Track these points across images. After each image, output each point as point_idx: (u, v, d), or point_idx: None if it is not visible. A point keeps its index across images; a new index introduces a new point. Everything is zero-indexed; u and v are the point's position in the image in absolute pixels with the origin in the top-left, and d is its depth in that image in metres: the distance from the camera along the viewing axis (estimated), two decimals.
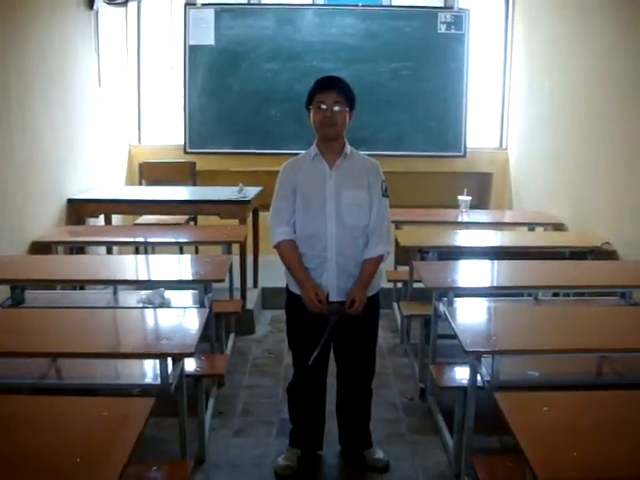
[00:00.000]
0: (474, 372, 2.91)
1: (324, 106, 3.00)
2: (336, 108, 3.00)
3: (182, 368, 2.87)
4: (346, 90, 3.06)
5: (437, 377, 3.36)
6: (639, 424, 2.09)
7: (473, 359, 2.87)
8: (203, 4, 6.63)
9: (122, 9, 6.38)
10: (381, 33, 6.65)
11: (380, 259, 3.14)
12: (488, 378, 2.78)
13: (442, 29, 6.67)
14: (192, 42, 6.64)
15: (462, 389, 3.12)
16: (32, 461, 1.83)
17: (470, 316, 3.26)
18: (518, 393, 2.29)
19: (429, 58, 6.70)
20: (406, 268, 4.79)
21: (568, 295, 4.43)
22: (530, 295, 4.23)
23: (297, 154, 3.22)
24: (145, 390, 2.94)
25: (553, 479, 1.84)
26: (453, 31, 6.66)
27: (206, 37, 6.62)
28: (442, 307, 3.48)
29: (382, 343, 4.84)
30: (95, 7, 5.65)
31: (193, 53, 6.66)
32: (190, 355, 2.71)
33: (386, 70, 6.67)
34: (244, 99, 6.70)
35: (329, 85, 3.03)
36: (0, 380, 2.95)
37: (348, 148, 3.12)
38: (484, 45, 6.98)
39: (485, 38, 6.98)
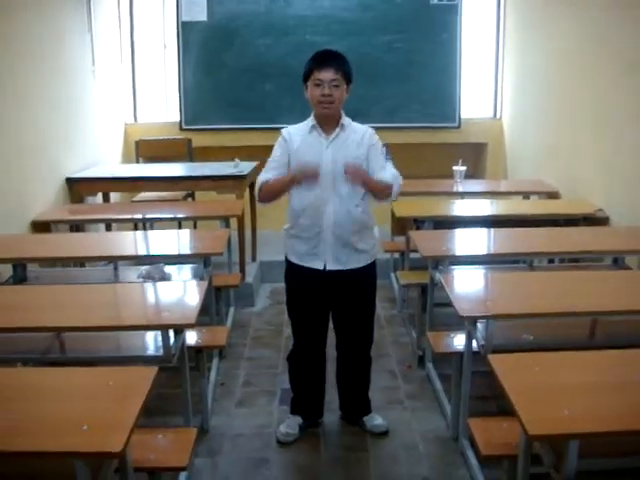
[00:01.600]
0: (469, 337, 2.97)
1: (322, 84, 3.02)
2: (334, 85, 3.03)
3: (183, 339, 2.93)
4: (344, 66, 3.07)
5: (434, 344, 3.42)
6: (628, 381, 2.16)
7: (468, 324, 2.93)
8: None
9: None
10: (374, 5, 6.63)
11: (389, 187, 3.10)
12: (483, 343, 2.84)
13: (435, 0, 6.66)
14: (185, 18, 6.62)
15: (458, 354, 3.19)
16: (40, 429, 1.89)
17: (465, 283, 3.32)
18: (510, 354, 2.35)
19: (422, 29, 6.68)
20: (402, 239, 4.85)
21: (563, 261, 4.49)
22: (525, 262, 4.29)
23: None
24: (148, 362, 3.00)
25: (543, 435, 1.91)
26: (446, 2, 6.64)
27: (199, 13, 6.60)
28: (438, 275, 3.52)
29: (380, 313, 4.92)
30: None
31: (186, 30, 6.65)
32: (191, 326, 2.77)
33: (379, 43, 6.66)
34: (238, 75, 6.69)
35: (327, 62, 3.04)
36: (6, 355, 3.02)
37: (345, 119, 3.16)
38: (477, 14, 6.96)
39: (478, 7, 6.96)
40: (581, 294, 3.02)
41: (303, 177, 3.00)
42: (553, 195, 5.32)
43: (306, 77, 3.09)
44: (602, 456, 2.16)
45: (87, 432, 1.86)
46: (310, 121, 3.17)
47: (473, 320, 2.89)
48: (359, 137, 3.15)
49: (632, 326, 3.20)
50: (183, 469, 2.47)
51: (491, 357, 2.27)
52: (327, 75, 3.02)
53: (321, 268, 3.18)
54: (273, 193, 3.15)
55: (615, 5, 4.44)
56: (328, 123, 3.14)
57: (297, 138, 3.16)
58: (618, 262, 4.05)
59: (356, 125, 3.20)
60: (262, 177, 3.16)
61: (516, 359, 2.30)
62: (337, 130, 3.13)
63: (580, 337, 3.17)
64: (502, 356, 2.31)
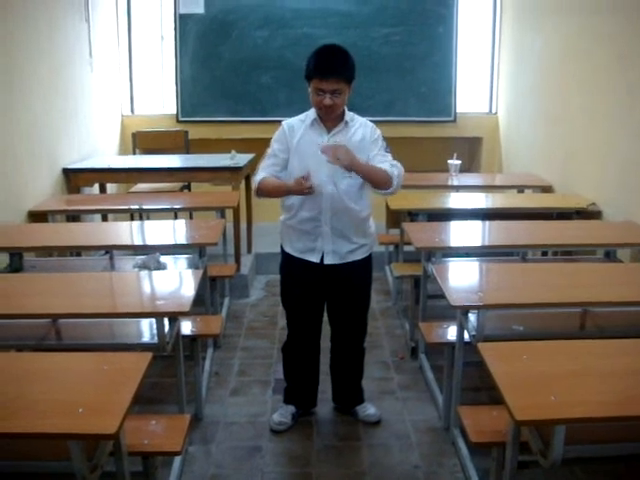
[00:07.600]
0: (461, 327, 3.00)
1: (323, 94, 2.98)
2: (336, 95, 2.98)
3: (178, 327, 2.96)
4: (347, 72, 3.01)
5: (426, 334, 3.46)
6: (615, 370, 2.18)
7: (460, 314, 2.96)
8: None
9: None
10: None
11: (386, 173, 3.06)
12: (474, 333, 2.87)
13: None
14: (182, 11, 6.64)
15: (450, 345, 3.23)
16: (37, 411, 1.91)
17: (458, 274, 3.34)
18: (499, 343, 2.38)
19: (419, 23, 6.70)
20: (397, 231, 4.87)
21: (556, 254, 4.52)
22: (518, 255, 4.32)
23: None
24: (143, 350, 3.03)
25: (529, 420, 1.95)
26: None
27: (196, 6, 6.62)
28: (430, 266, 3.54)
29: (375, 306, 4.95)
30: None
31: (184, 22, 6.67)
32: (185, 314, 2.78)
33: (376, 36, 6.68)
34: (235, 67, 6.72)
35: (330, 72, 2.96)
36: (2, 342, 3.04)
37: (348, 115, 3.13)
38: (473, 9, 6.99)
39: (474, 2, 6.98)
40: (572, 285, 3.04)
41: (302, 190, 2.95)
42: (547, 189, 5.36)
43: (307, 77, 3.03)
44: (589, 443, 2.19)
45: (82, 414, 1.88)
46: (312, 114, 3.12)
47: (464, 310, 2.92)
48: (361, 132, 3.13)
49: (622, 317, 3.23)
50: (177, 453, 2.50)
51: (481, 345, 2.30)
52: (329, 86, 2.96)
53: (318, 261, 3.19)
54: (270, 195, 3.13)
55: (609, 2, 4.46)
56: (330, 119, 3.11)
57: (298, 131, 3.13)
58: (610, 255, 4.08)
59: (358, 119, 3.18)
60: (259, 175, 3.14)
61: (505, 347, 2.34)
62: (341, 126, 3.11)
63: (571, 328, 3.20)
64: (492, 344, 2.35)
